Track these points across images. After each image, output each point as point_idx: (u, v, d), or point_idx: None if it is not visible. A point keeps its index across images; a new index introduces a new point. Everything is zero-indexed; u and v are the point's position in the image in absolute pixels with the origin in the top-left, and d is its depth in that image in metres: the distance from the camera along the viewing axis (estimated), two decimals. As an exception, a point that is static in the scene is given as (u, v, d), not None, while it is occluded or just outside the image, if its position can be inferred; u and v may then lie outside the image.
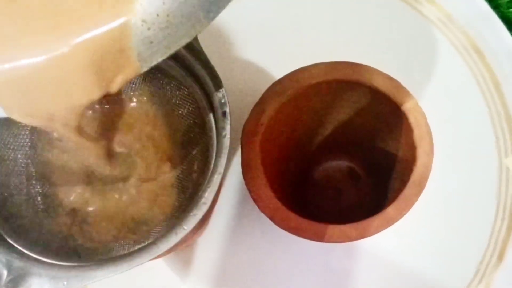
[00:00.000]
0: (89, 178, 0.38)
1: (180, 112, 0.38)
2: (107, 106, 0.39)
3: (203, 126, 0.36)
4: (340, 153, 0.43)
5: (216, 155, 0.33)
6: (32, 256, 0.32)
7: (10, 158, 0.36)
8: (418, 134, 0.35)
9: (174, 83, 0.37)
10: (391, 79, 0.36)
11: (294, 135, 0.41)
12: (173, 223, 0.32)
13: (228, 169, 0.43)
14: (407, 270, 0.42)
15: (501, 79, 0.44)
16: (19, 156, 0.37)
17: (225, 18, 0.46)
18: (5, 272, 0.31)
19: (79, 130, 0.30)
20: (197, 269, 0.43)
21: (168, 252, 0.39)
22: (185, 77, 0.36)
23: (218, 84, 0.34)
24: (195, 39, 0.34)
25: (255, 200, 0.35)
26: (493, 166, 0.43)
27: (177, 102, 0.38)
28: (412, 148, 0.35)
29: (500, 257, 0.41)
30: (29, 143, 0.37)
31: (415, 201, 0.34)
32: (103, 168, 0.38)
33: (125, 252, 0.34)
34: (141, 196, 0.38)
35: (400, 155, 0.38)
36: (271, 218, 0.35)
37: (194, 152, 0.37)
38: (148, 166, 0.38)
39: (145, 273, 0.42)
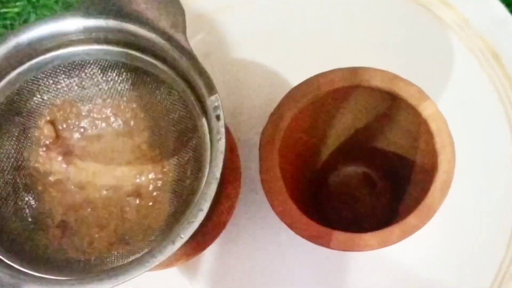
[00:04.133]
0: (79, 188, 0.37)
1: (171, 117, 0.37)
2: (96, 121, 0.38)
3: (196, 131, 0.34)
4: (356, 159, 0.43)
5: (211, 160, 0.32)
6: (23, 271, 0.31)
7: None
8: (439, 141, 0.35)
9: (164, 87, 0.36)
10: (412, 85, 0.35)
11: (311, 141, 0.40)
12: (169, 231, 0.31)
13: (244, 175, 0.42)
14: (423, 278, 0.42)
15: (518, 84, 0.44)
16: (4, 167, 0.36)
17: (241, 25, 0.46)
18: None
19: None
20: (211, 276, 0.42)
21: (173, 263, 0.38)
22: (175, 81, 0.35)
23: (210, 87, 0.32)
24: (185, 39, 0.33)
25: (273, 207, 0.35)
26: (511, 174, 0.43)
27: (168, 107, 0.37)
28: (433, 155, 0.35)
29: (519, 265, 0.41)
30: (15, 154, 0.36)
31: (437, 209, 0.34)
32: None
33: (120, 263, 0.33)
34: (134, 205, 0.37)
35: (420, 162, 0.38)
36: (290, 226, 0.35)
37: (187, 158, 0.36)
38: (139, 173, 0.38)
39: (158, 280, 0.42)
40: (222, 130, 0.31)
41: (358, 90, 0.37)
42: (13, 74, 0.34)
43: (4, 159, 0.36)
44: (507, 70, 0.44)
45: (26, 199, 0.36)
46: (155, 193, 0.37)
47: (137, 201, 0.37)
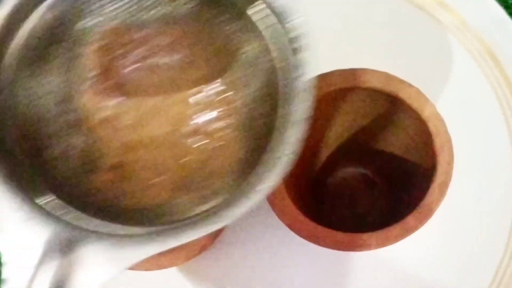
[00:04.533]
0: (132, 127, 0.32)
1: (240, 47, 0.31)
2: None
3: (270, 66, 0.30)
4: (355, 160, 0.43)
5: (289, 101, 0.27)
6: (79, 226, 0.28)
7: (41, 104, 0.31)
8: (438, 142, 0.35)
9: (232, 12, 0.30)
10: (410, 86, 0.36)
11: (310, 142, 0.40)
12: (240, 180, 0.28)
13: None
14: (424, 277, 0.42)
15: (516, 86, 0.44)
16: (49, 102, 0.31)
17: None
18: (52, 244, 0.27)
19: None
20: (211, 276, 0.42)
21: (173, 263, 0.37)
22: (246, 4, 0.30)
23: (289, 14, 0.27)
24: None
25: (273, 208, 0.35)
26: (509, 174, 0.43)
27: (237, 35, 0.31)
28: (431, 156, 0.35)
29: (517, 265, 0.41)
30: (60, 87, 0.31)
31: (436, 209, 0.34)
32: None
33: (186, 214, 0.29)
34: (195, 147, 0.32)
35: (418, 163, 0.38)
36: (290, 226, 0.35)
37: (256, 96, 0.31)
38: (200, 111, 0.32)
39: (159, 281, 0.42)
40: (303, 64, 0.27)
41: (357, 91, 0.37)
42: None
43: (48, 94, 0.31)
44: (505, 71, 0.44)
45: (74, 138, 0.31)
46: (219, 134, 0.32)
47: (199, 143, 0.32)
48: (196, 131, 0.32)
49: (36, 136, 0.30)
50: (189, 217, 0.28)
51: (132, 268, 0.37)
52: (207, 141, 0.32)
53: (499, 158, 0.43)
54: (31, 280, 0.26)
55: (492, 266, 0.42)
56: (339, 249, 0.34)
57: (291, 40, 0.28)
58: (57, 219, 0.28)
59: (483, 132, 0.44)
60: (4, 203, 0.27)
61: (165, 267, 0.38)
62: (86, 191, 0.31)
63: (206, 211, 0.28)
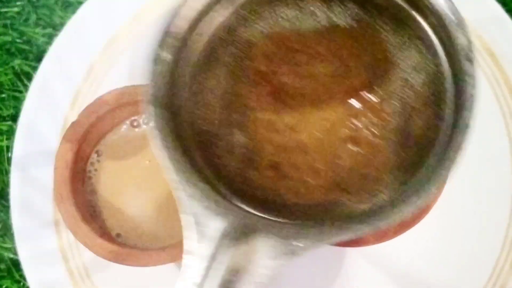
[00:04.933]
0: (290, 129, 0.34)
1: (401, 56, 0.32)
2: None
3: (431, 73, 0.30)
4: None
5: (456, 108, 0.28)
6: (256, 214, 0.29)
7: (207, 103, 0.33)
8: (436, 139, 0.35)
9: (395, 20, 0.31)
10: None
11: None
12: (396, 185, 0.28)
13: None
14: (420, 273, 0.42)
15: (514, 83, 0.44)
16: (214, 100, 0.33)
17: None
18: (228, 232, 0.28)
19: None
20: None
21: (176, 260, 0.38)
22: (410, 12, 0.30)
23: (460, 22, 0.27)
24: None
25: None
26: (507, 171, 0.43)
27: (397, 44, 0.31)
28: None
29: (515, 262, 0.41)
30: (225, 87, 0.33)
31: (433, 205, 0.34)
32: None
33: (344, 213, 0.30)
34: (349, 151, 0.33)
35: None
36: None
37: (417, 103, 0.31)
38: (355, 117, 0.33)
39: (157, 278, 0.42)
40: (475, 74, 0.27)
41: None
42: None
43: (213, 93, 0.33)
44: (503, 69, 0.44)
45: (236, 137, 0.33)
46: (374, 140, 0.33)
47: (354, 148, 0.33)
48: (352, 137, 0.33)
49: (204, 133, 0.32)
50: (352, 215, 0.29)
51: (131, 263, 0.37)
52: (360, 148, 0.33)
53: (497, 156, 0.43)
54: (208, 266, 0.27)
55: (490, 261, 0.42)
56: (338, 245, 0.34)
57: (463, 49, 0.28)
58: (236, 208, 0.29)
59: (481, 129, 0.43)
60: (185, 191, 0.28)
61: (165, 262, 0.38)
62: (250, 186, 0.32)
63: (367, 211, 0.29)
